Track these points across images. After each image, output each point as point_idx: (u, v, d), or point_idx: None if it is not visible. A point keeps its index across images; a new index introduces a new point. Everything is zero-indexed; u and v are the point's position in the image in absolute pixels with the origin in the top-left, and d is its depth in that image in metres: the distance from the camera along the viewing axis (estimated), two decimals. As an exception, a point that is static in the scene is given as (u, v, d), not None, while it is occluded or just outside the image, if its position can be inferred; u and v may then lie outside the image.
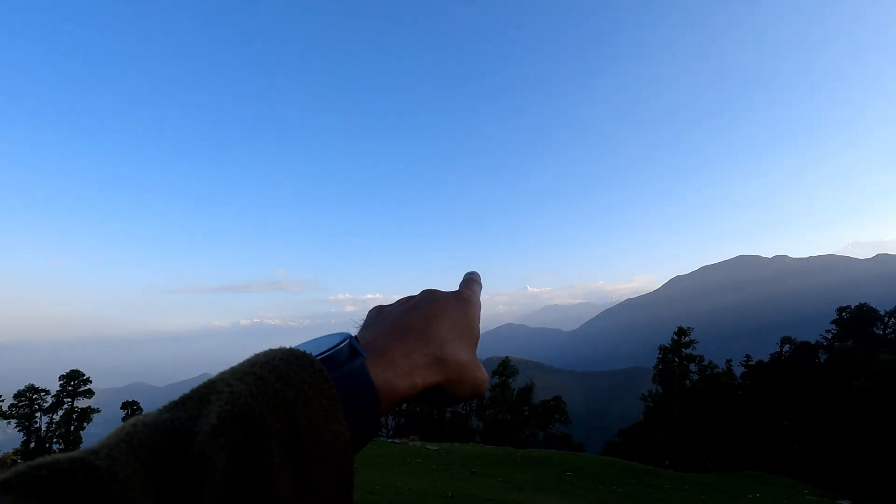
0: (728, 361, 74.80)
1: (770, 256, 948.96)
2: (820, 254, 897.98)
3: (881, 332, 76.93)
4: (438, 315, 1.48)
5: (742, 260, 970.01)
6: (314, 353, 1.41)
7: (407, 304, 1.47)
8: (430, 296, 1.49)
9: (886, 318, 77.46)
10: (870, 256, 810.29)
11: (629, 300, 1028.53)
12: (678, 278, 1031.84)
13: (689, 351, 52.69)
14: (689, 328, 52.95)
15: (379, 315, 1.47)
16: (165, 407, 1.39)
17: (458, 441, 50.83)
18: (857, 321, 78.61)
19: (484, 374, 1.35)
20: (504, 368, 67.26)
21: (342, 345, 1.42)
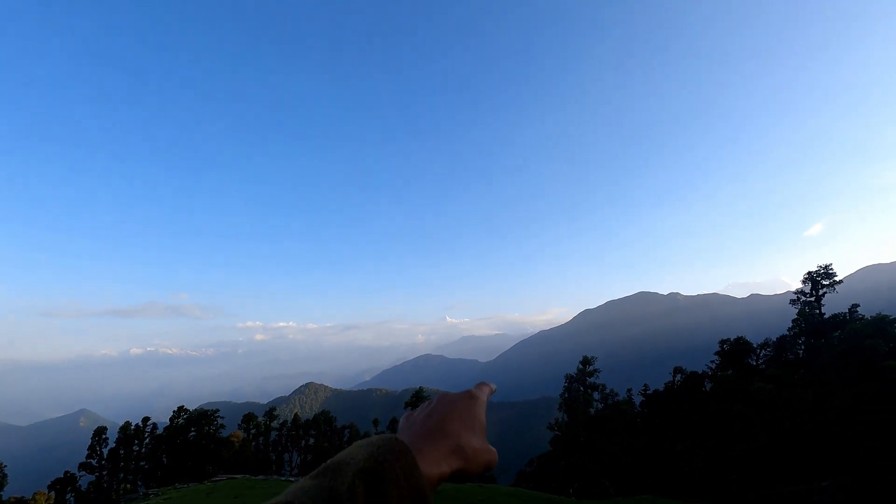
0: (629, 390, 79.53)
1: (666, 293, 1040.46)
2: (706, 292, 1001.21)
3: (755, 363, 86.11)
4: (452, 413, 2.37)
5: (642, 296, 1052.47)
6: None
7: (427, 408, 2.36)
8: (444, 398, 2.40)
9: (758, 350, 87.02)
10: (745, 296, 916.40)
11: (542, 332, 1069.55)
12: (587, 311, 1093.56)
13: (592, 380, 55.22)
14: (592, 358, 55.59)
15: (408, 421, 2.32)
16: (310, 476, 2.21)
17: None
18: (735, 353, 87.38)
19: (493, 454, 2.51)
20: (417, 400, 66.14)
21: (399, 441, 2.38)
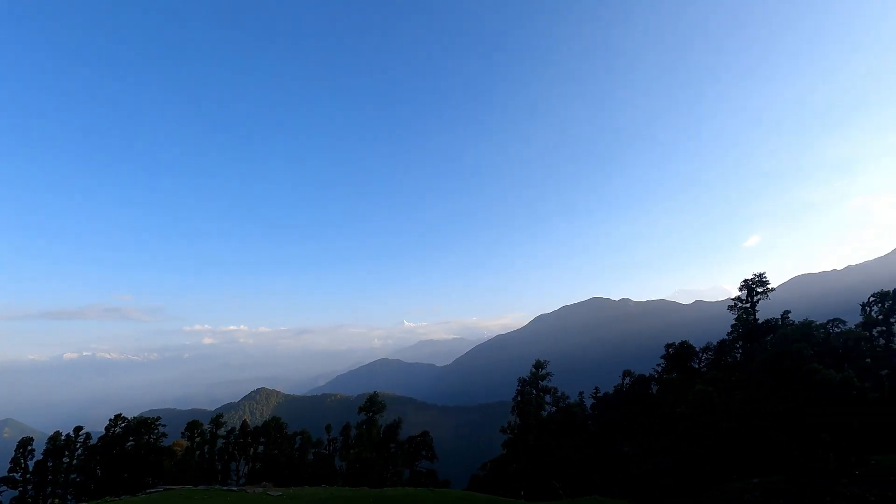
0: (580, 394, 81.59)
1: (617, 299, 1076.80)
2: (655, 298, 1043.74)
3: (697, 366, 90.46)
4: None
5: (595, 302, 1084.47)
6: None
7: None
8: None
9: (700, 354, 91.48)
10: (690, 302, 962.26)
11: (500, 336, 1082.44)
12: (543, 316, 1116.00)
13: (545, 383, 56.27)
14: (545, 361, 56.68)
15: None
16: None
17: (324, 484, 47.20)
18: (679, 357, 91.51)
19: None
20: (371, 405, 65.24)
21: None
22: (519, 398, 55.91)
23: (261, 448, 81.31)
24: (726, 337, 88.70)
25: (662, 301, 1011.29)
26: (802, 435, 39.03)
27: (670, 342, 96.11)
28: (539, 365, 56.09)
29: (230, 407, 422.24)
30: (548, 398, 56.24)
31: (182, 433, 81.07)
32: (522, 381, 55.98)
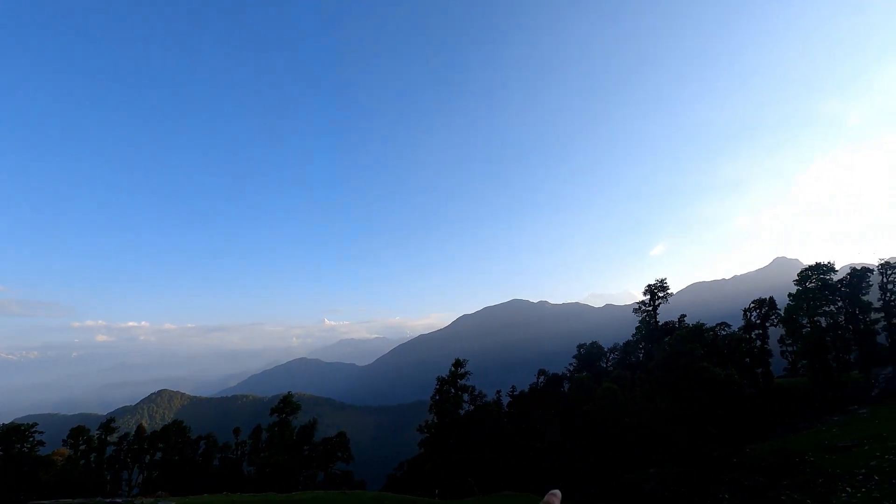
0: (498, 392, 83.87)
1: (536, 301, 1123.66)
2: (570, 301, 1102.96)
3: (605, 365, 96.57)
4: None
5: (516, 303, 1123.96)
6: None
7: None
8: None
9: (608, 354, 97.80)
10: (601, 306, 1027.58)
11: (423, 336, 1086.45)
12: (465, 317, 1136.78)
13: (463, 382, 57.04)
14: (464, 360, 57.49)
15: None
16: None
17: (228, 491, 44.25)
18: (589, 356, 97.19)
19: None
20: (285, 406, 62.32)
21: None
22: (437, 397, 56.20)
23: (159, 454, 74.78)
24: (631, 338, 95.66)
25: (577, 304, 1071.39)
26: (692, 427, 42.87)
27: (582, 343, 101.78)
28: (458, 364, 56.77)
29: (126, 411, 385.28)
30: (466, 397, 57.10)
31: (64, 441, 72.48)
32: (441, 381, 56.35)
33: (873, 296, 69.46)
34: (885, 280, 67.00)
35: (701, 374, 47.65)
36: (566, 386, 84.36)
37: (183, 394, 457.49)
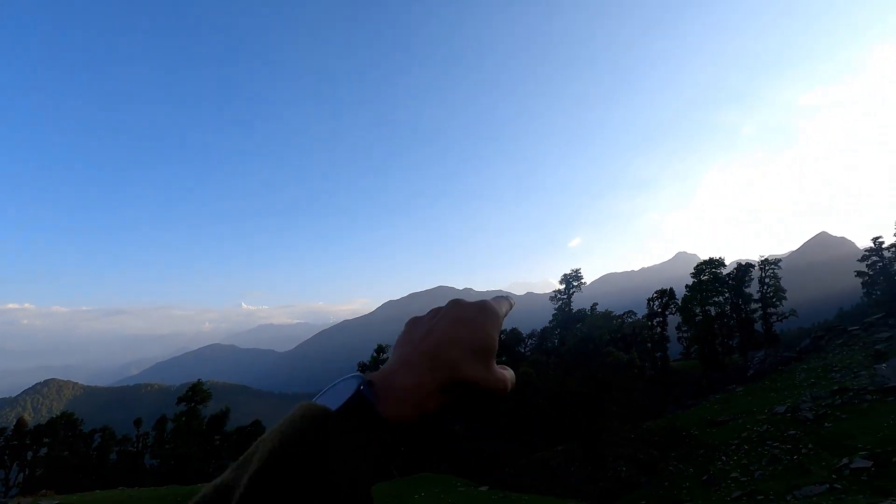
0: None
1: (461, 288, 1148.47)
2: (494, 289, 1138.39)
3: (523, 350, 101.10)
4: (452, 335, 1.69)
5: (442, 290, 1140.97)
6: (334, 401, 1.71)
7: (433, 319, 1.71)
8: (451, 311, 1.69)
9: (526, 340, 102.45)
10: (523, 293, 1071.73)
11: (347, 321, 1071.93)
12: (391, 302, 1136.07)
13: (386, 367, 57.14)
14: (387, 346, 57.45)
15: (407, 333, 1.73)
16: (230, 468, 1.71)
17: (125, 486, 41.11)
18: (509, 342, 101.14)
19: (502, 376, 1.73)
20: (194, 394, 58.74)
21: (353, 393, 1.70)
22: (358, 383, 55.83)
23: (44, 450, 67.49)
24: (548, 324, 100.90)
25: (500, 291, 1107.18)
26: (598, 407, 46.32)
27: (502, 329, 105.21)
28: (381, 349, 56.66)
29: (5, 403, 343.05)
30: (387, 382, 57.23)
31: (-79, 439, 63.20)
32: (362, 366, 55.92)
33: (754, 288, 78.45)
34: (763, 275, 75.88)
35: (606, 358, 51.46)
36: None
37: (75, 383, 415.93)
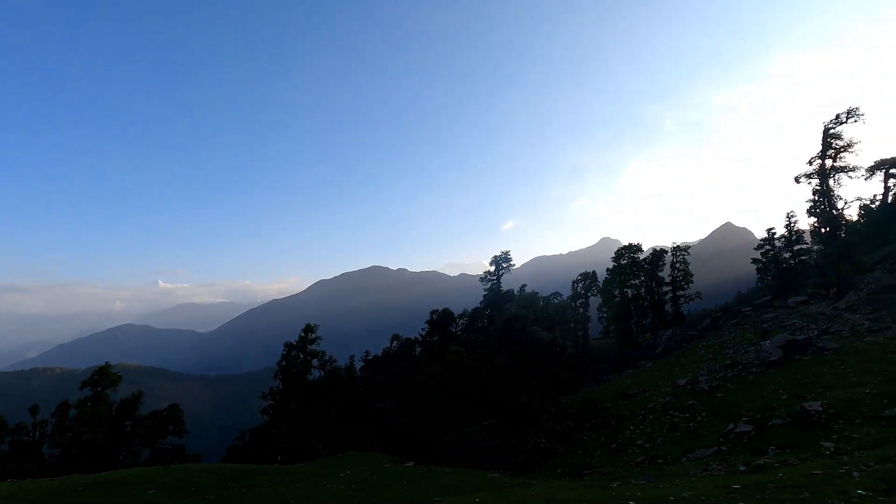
0: (351, 357, 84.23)
1: (395, 269, 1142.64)
2: (428, 270, 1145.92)
3: (454, 330, 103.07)
4: None
5: (375, 270, 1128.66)
6: None
7: None
8: None
9: (458, 320, 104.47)
10: (456, 275, 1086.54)
11: (275, 301, 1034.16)
12: (322, 282, 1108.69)
13: (313, 347, 55.97)
14: (315, 325, 56.37)
15: None
16: None
17: (16, 478, 37.43)
18: (441, 322, 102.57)
19: None
20: (101, 378, 54.43)
21: None
22: (284, 363, 54.36)
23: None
24: (479, 304, 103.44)
25: (434, 272, 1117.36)
26: (521, 384, 48.55)
27: (435, 309, 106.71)
28: (309, 329, 55.44)
29: None
30: (315, 362, 56.20)
31: None
32: (289, 346, 54.52)
33: (666, 273, 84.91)
34: (674, 260, 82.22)
35: (531, 337, 53.80)
36: (418, 350, 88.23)
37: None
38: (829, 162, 58.03)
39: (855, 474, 12.37)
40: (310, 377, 55.66)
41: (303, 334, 55.34)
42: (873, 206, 78.45)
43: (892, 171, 78.60)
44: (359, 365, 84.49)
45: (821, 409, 24.02)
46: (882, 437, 17.92)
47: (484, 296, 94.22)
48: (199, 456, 66.39)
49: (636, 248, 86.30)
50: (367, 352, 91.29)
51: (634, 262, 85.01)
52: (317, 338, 56.16)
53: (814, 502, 10.69)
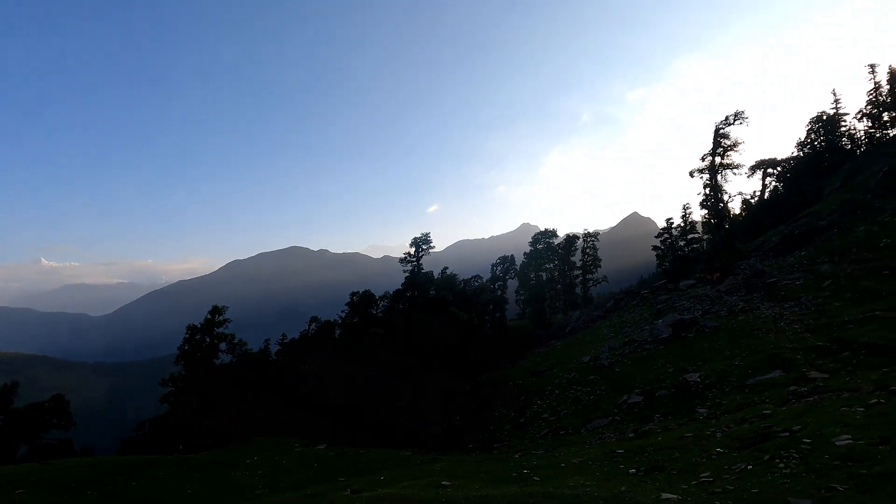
0: (266, 340, 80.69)
1: (316, 249, 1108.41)
2: (351, 251, 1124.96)
3: (375, 312, 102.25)
4: None
5: (294, 250, 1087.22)
6: None
7: None
8: None
9: (379, 301, 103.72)
10: (379, 257, 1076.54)
11: (183, 282, 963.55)
12: (237, 262, 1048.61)
13: (221, 330, 52.83)
14: (223, 307, 53.20)
15: None
16: None
17: None
18: (361, 304, 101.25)
19: None
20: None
21: None
22: (186, 347, 50.84)
23: None
24: (400, 287, 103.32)
25: (357, 254, 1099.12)
26: (439, 363, 49.53)
27: (356, 291, 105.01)
28: (216, 311, 52.18)
29: None
30: (223, 345, 53.14)
31: None
32: (192, 329, 51.00)
33: (578, 257, 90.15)
34: (585, 245, 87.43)
35: (449, 317, 54.92)
36: (338, 332, 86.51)
37: None
38: (717, 159, 64.27)
39: (718, 435, 14.01)
40: (217, 361, 52.54)
41: (209, 316, 51.95)
42: (752, 200, 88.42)
43: (770, 170, 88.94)
44: (275, 349, 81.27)
45: (699, 380, 26.90)
46: (745, 402, 20.43)
47: (406, 278, 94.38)
48: (91, 450, 60.75)
49: (551, 234, 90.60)
50: (283, 335, 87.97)
51: (549, 247, 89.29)
52: (225, 320, 52.97)
53: (682, 460, 11.95)
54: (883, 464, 7.94)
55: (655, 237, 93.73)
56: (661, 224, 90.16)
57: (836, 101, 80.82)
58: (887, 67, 78.55)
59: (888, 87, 77.46)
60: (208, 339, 51.57)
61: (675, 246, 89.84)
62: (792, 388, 19.94)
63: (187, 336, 51.34)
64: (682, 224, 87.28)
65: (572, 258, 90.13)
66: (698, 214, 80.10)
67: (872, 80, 79.00)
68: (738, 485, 8.71)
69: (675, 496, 8.47)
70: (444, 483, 11.84)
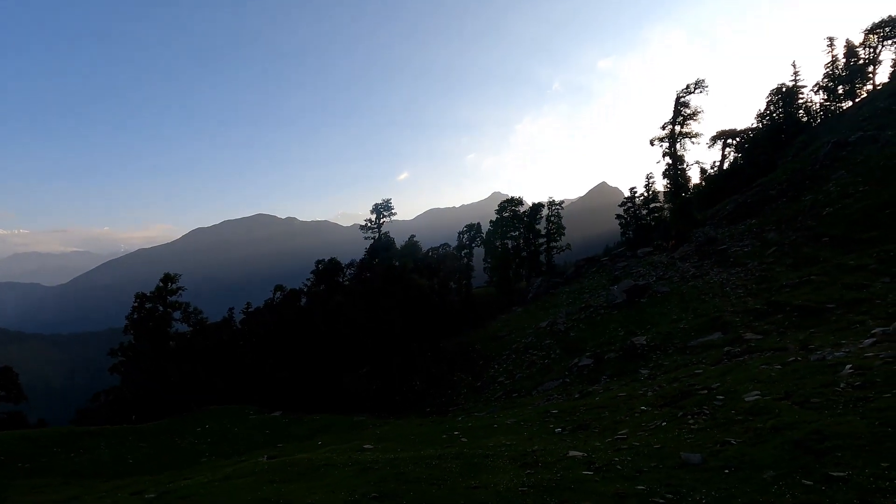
0: (230, 309, 79.10)
1: (284, 217, 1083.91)
2: (320, 219, 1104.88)
3: (341, 280, 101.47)
4: None
5: (261, 218, 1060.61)
6: None
7: None
8: None
9: (346, 270, 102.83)
10: (349, 225, 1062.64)
11: (142, 250, 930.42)
12: (200, 230, 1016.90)
13: (175, 298, 51.24)
14: (176, 275, 51.48)
15: None
16: None
17: None
18: (327, 272, 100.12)
19: None
20: None
21: None
22: (136, 316, 49.22)
23: None
24: (365, 254, 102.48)
25: (326, 222, 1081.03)
26: (401, 328, 49.67)
27: (321, 259, 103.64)
28: (168, 279, 50.45)
29: None
30: (177, 314, 51.69)
31: None
32: (142, 297, 49.24)
33: (543, 225, 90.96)
34: (549, 214, 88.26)
35: (410, 284, 54.99)
36: (304, 301, 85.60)
37: None
38: (677, 128, 65.11)
39: (649, 394, 14.53)
40: (171, 330, 51.15)
41: (161, 284, 50.21)
42: (712, 171, 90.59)
43: (730, 141, 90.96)
44: (239, 318, 79.91)
45: (645, 342, 27.86)
46: (683, 363, 21.29)
47: (370, 245, 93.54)
48: (45, 423, 59.12)
49: (517, 202, 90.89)
50: (248, 303, 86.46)
51: (515, 215, 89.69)
52: (179, 288, 51.29)
53: (608, 419, 12.34)
54: (778, 417, 8.32)
55: (619, 206, 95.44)
56: (627, 194, 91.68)
57: (796, 73, 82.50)
58: (844, 41, 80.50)
59: (844, 60, 79.57)
60: (162, 308, 50.03)
61: (637, 215, 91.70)
62: (727, 348, 20.86)
63: (136, 304, 49.62)
64: (646, 193, 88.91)
65: (537, 226, 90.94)
66: (661, 184, 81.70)
67: (830, 54, 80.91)
68: (645, 441, 9.03)
69: (581, 453, 8.71)
70: (365, 447, 11.91)
